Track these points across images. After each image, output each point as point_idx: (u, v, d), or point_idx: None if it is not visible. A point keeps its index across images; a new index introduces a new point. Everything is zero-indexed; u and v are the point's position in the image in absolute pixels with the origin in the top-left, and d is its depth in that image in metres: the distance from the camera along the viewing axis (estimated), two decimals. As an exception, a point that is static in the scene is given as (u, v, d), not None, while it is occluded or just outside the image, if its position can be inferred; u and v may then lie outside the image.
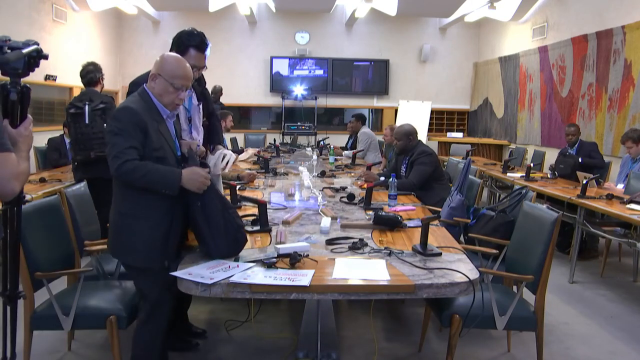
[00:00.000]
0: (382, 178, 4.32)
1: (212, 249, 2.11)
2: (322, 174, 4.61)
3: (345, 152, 7.10)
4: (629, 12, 5.88)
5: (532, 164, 6.06)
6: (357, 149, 6.89)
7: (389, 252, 2.22)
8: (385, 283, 1.89)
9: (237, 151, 5.28)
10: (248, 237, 2.46)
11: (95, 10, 8.04)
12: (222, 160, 2.65)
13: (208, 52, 2.61)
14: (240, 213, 2.90)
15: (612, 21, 6.16)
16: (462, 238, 3.50)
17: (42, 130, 6.56)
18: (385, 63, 10.14)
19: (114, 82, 9.34)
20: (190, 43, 2.55)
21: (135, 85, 2.38)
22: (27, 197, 3.56)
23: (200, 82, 2.87)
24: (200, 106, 2.82)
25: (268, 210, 2.66)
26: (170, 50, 2.51)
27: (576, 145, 5.63)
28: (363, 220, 2.85)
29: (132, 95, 2.20)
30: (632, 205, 3.80)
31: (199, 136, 2.79)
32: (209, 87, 3.36)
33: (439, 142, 9.56)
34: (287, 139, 9.23)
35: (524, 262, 2.62)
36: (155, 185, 2.05)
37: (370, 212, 2.92)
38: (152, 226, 2.12)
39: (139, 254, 2.13)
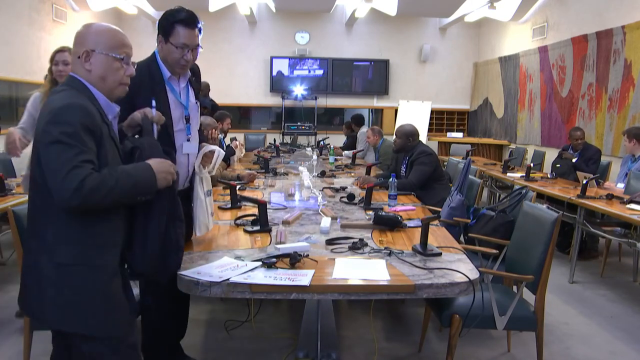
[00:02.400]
0: (382, 178, 4.33)
1: (134, 257, 1.72)
2: (322, 174, 4.62)
3: (345, 152, 7.10)
4: (629, 12, 5.88)
5: (532, 164, 6.06)
6: (357, 149, 6.90)
7: (389, 252, 2.22)
8: (385, 283, 1.89)
9: (231, 152, 5.25)
10: (248, 237, 2.46)
11: (95, 10, 8.04)
12: (213, 160, 2.36)
13: (201, 27, 2.29)
14: (240, 213, 2.91)
15: (612, 21, 6.16)
16: (462, 238, 3.50)
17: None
18: (385, 63, 10.14)
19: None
20: (176, 19, 2.20)
21: None
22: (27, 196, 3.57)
23: (195, 74, 2.56)
24: (198, 105, 2.51)
25: (268, 210, 2.66)
26: (158, 35, 2.25)
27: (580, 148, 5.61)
28: (363, 220, 2.85)
29: (61, 90, 1.59)
30: (632, 205, 3.80)
31: (196, 141, 2.46)
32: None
33: (439, 142, 9.55)
34: (287, 139, 9.23)
35: (524, 262, 2.62)
36: (128, 194, 1.57)
37: (370, 212, 2.92)
38: (111, 272, 1.60)
39: (95, 319, 1.56)
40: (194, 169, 2.35)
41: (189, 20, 2.23)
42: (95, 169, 1.50)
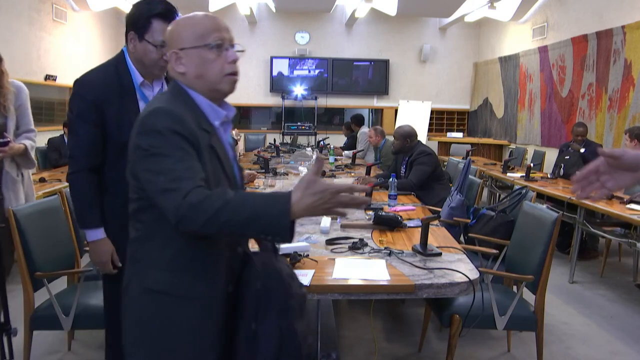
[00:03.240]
0: (382, 178, 4.33)
1: None
2: (322, 174, 4.61)
3: (345, 152, 7.10)
4: (629, 12, 5.88)
5: (532, 164, 6.06)
6: (357, 149, 6.90)
7: (389, 252, 2.22)
8: (385, 283, 1.89)
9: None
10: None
11: (95, 10, 8.04)
12: None
13: None
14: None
15: (612, 21, 6.15)
16: (462, 238, 3.50)
17: (42, 130, 6.55)
18: (385, 63, 10.14)
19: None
20: (152, 12, 1.87)
21: (82, 85, 1.90)
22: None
23: None
24: None
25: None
26: (127, 33, 1.92)
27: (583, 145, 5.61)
28: (363, 220, 2.85)
29: (158, 96, 1.41)
30: (632, 205, 3.80)
31: None
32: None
33: (439, 142, 9.55)
34: (287, 139, 9.23)
35: (524, 262, 2.62)
36: (244, 227, 1.18)
37: (370, 212, 2.92)
38: (204, 306, 1.33)
39: (182, 354, 1.33)
40: None
41: (168, 13, 1.89)
42: (202, 183, 1.21)
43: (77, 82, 1.92)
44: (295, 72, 10.08)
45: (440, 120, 10.53)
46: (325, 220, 2.67)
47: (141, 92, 1.96)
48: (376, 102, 10.44)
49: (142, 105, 1.95)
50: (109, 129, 1.90)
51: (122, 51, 1.97)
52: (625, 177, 1.10)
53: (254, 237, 1.25)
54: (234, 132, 5.83)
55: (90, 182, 1.91)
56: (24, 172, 3.13)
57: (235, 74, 1.36)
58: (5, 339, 2.34)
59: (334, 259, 2.12)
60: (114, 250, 1.94)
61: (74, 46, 7.64)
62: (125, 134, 1.80)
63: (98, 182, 1.93)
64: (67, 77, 7.07)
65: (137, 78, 1.95)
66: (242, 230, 1.20)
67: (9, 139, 2.84)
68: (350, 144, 7.75)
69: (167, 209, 1.19)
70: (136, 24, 1.89)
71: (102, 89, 1.88)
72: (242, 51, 1.39)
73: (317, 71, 10.12)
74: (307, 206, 1.14)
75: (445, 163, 6.46)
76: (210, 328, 1.34)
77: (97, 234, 1.92)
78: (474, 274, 1.96)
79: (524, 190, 3.32)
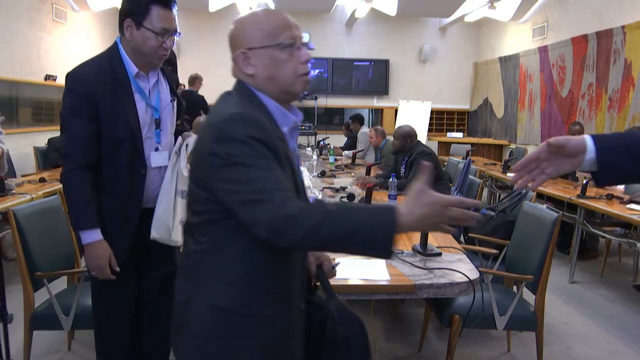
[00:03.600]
0: (382, 178, 4.33)
1: None
2: (322, 174, 4.62)
3: (345, 152, 7.11)
4: (629, 12, 5.88)
5: (532, 164, 6.05)
6: (357, 149, 6.90)
7: (389, 252, 2.21)
8: (385, 283, 1.89)
9: None
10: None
11: (95, 10, 8.04)
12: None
13: (175, 10, 1.88)
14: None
15: (612, 21, 6.15)
16: (462, 238, 3.50)
17: (42, 130, 6.57)
18: (385, 63, 10.14)
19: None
20: None
21: (74, 79, 1.80)
22: (27, 196, 3.58)
23: (171, 62, 2.11)
24: (174, 104, 2.02)
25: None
26: (123, 21, 1.82)
27: None
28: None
29: (226, 97, 1.27)
30: (632, 205, 3.80)
31: (167, 150, 1.98)
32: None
33: (439, 142, 9.56)
34: (287, 139, 9.22)
35: (524, 262, 2.62)
36: (354, 241, 1.05)
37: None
38: (278, 326, 1.23)
39: None
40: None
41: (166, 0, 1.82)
42: (292, 194, 1.11)
43: (69, 76, 1.83)
44: (295, 72, 10.08)
45: (440, 120, 10.53)
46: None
47: (136, 84, 1.87)
48: (376, 102, 10.44)
49: (137, 97, 1.86)
50: (103, 124, 1.81)
51: (115, 42, 1.88)
52: (564, 163, 1.10)
53: (351, 252, 1.11)
54: None
55: (86, 180, 1.81)
56: None
57: (307, 74, 1.26)
58: (2, 338, 2.33)
59: (334, 259, 2.11)
60: (112, 254, 1.85)
61: (74, 46, 7.64)
62: (120, 128, 1.82)
63: (94, 181, 1.84)
64: (67, 77, 7.07)
65: (132, 69, 1.86)
66: (341, 244, 1.06)
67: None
68: (350, 144, 7.75)
69: (257, 221, 1.06)
70: (134, 10, 1.80)
71: (95, 82, 1.79)
72: (313, 49, 1.30)
73: (317, 71, 10.12)
74: (418, 218, 1.03)
75: (445, 163, 6.46)
76: (284, 350, 1.24)
77: (94, 236, 1.82)
78: (474, 274, 1.96)
79: (524, 190, 3.32)
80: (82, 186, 1.80)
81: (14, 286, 3.01)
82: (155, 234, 1.92)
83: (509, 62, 9.03)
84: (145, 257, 2.02)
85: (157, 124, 1.92)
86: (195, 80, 7.19)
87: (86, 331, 2.93)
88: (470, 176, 3.87)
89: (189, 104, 6.83)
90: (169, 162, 1.95)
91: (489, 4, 8.09)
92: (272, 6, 9.10)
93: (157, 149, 1.92)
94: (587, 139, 1.09)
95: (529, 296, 2.55)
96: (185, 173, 1.91)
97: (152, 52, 1.83)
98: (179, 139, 1.99)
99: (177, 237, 1.93)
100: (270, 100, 1.24)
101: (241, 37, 1.26)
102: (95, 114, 1.79)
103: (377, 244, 1.03)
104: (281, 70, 1.22)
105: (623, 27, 5.92)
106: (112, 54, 1.86)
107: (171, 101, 2.00)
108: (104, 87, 1.80)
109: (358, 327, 1.31)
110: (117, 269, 1.85)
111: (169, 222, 1.92)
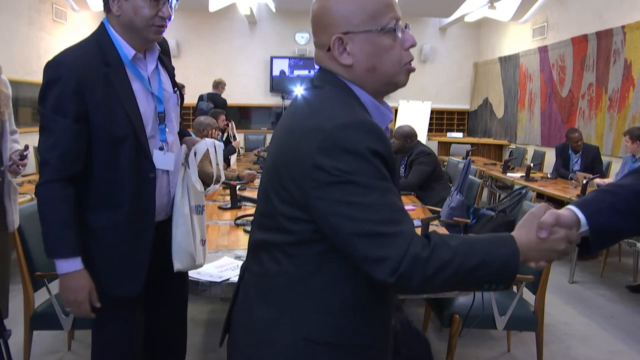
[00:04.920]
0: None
1: None
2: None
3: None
4: (629, 12, 5.88)
5: (532, 164, 6.06)
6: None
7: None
8: (385, 283, 1.88)
9: (231, 151, 5.24)
10: (249, 237, 2.43)
11: (95, 10, 8.04)
12: (211, 154, 1.72)
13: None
14: (240, 213, 2.91)
15: (612, 21, 6.15)
16: (462, 238, 3.49)
17: (42, 130, 6.56)
18: (385, 63, 10.13)
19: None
20: None
21: (56, 68, 1.48)
22: (27, 196, 3.58)
23: (164, 50, 1.73)
24: (177, 95, 1.74)
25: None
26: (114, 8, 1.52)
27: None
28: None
29: (319, 90, 1.03)
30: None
31: (174, 151, 1.67)
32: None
33: (439, 142, 9.56)
34: (287, 139, 9.22)
35: (524, 262, 2.62)
36: (478, 276, 0.93)
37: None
38: (377, 356, 1.09)
39: None
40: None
41: None
42: (410, 227, 0.92)
43: (50, 65, 1.49)
44: (296, 72, 10.07)
45: (440, 120, 10.53)
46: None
47: (135, 69, 1.56)
48: (376, 102, 10.43)
49: (136, 85, 1.55)
50: (96, 121, 1.48)
51: (101, 23, 1.57)
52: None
53: (467, 289, 1.01)
54: (229, 126, 5.79)
55: (66, 195, 1.47)
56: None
57: (411, 61, 1.06)
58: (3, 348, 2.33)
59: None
60: (93, 287, 1.51)
61: (74, 46, 7.64)
62: (117, 125, 1.49)
63: (75, 196, 1.49)
64: (67, 77, 7.08)
65: (127, 51, 1.54)
66: (465, 280, 0.93)
67: (28, 151, 2.54)
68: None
69: (382, 260, 0.89)
70: None
71: (83, 69, 1.46)
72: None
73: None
74: (537, 247, 0.96)
75: (445, 163, 6.46)
76: None
77: (73, 265, 1.47)
78: (474, 274, 1.96)
79: (524, 190, 3.32)
80: (60, 203, 1.47)
81: (14, 286, 3.01)
82: (179, 265, 1.65)
83: (509, 62, 9.02)
84: (154, 287, 1.68)
85: (162, 118, 1.61)
86: (219, 84, 7.69)
87: (86, 331, 2.93)
88: (470, 176, 3.87)
89: (215, 105, 6.90)
90: (178, 176, 1.67)
91: (489, 4, 8.09)
92: (272, 6, 9.10)
93: (161, 149, 1.61)
94: (577, 210, 1.02)
95: (529, 296, 2.55)
96: (199, 187, 1.68)
97: (146, 23, 1.52)
98: (183, 146, 1.71)
99: (200, 259, 1.71)
100: (367, 95, 1.04)
101: (335, 18, 1.00)
102: (83, 110, 1.46)
103: (502, 277, 0.94)
104: (385, 60, 1.01)
105: (623, 27, 5.92)
106: (100, 36, 1.54)
107: (174, 92, 1.70)
108: (95, 75, 1.47)
109: (424, 348, 1.17)
110: (98, 304, 1.52)
111: (191, 247, 1.65)
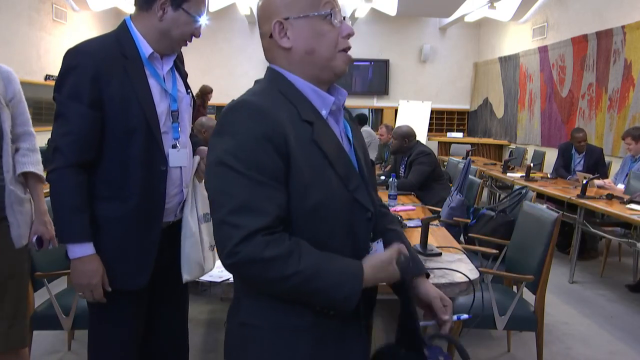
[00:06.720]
0: (383, 177, 4.33)
1: None
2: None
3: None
4: (629, 12, 5.88)
5: (532, 164, 6.06)
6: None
7: (389, 252, 2.21)
8: (386, 283, 1.88)
9: None
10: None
11: (95, 10, 8.04)
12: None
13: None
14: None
15: (612, 21, 6.15)
16: (462, 238, 3.50)
17: (42, 130, 6.54)
18: (385, 63, 10.14)
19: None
20: None
21: (75, 56, 1.50)
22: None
23: (181, 59, 1.78)
24: (190, 96, 1.75)
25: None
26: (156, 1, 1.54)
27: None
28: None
29: (252, 87, 1.19)
30: (632, 205, 3.80)
31: (186, 149, 1.68)
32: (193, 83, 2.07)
33: (439, 142, 9.56)
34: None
35: (524, 262, 2.62)
36: (317, 300, 1.02)
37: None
38: (313, 338, 1.08)
39: None
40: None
41: None
42: (276, 224, 0.97)
43: (68, 53, 1.51)
44: (295, 72, 10.08)
45: (440, 120, 10.53)
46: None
47: (151, 67, 1.58)
48: (376, 102, 10.44)
49: (151, 82, 1.57)
50: (110, 111, 1.50)
51: (124, 21, 1.60)
52: None
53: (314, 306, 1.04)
54: None
55: (79, 182, 1.50)
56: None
57: (348, 49, 1.11)
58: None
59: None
60: (105, 272, 1.53)
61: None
62: (131, 115, 1.51)
63: (87, 183, 1.53)
64: (67, 77, 7.07)
65: (145, 49, 1.57)
66: (304, 298, 1.02)
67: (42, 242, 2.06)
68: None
69: (217, 244, 0.98)
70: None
71: (104, 59, 1.49)
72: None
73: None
74: (376, 274, 1.09)
75: (445, 163, 6.46)
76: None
77: (85, 250, 1.50)
78: (474, 274, 1.96)
79: (524, 190, 3.33)
80: (73, 188, 1.50)
81: (14, 286, 3.01)
82: (187, 276, 1.63)
83: (509, 62, 9.03)
84: (159, 287, 1.69)
85: (175, 116, 1.62)
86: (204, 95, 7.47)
87: (86, 331, 2.93)
88: (470, 176, 3.86)
89: None
90: (190, 175, 1.68)
91: (489, 4, 8.09)
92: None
93: (174, 146, 1.62)
94: None
95: (529, 296, 2.55)
96: (205, 193, 1.57)
97: (181, 38, 1.58)
98: (196, 157, 1.72)
99: (209, 265, 1.70)
100: (302, 81, 1.10)
101: (278, 6, 1.09)
102: (99, 98, 1.48)
103: (341, 308, 1.02)
104: (322, 43, 1.08)
105: (623, 27, 5.92)
106: (121, 32, 1.57)
107: (187, 93, 1.72)
108: (113, 65, 1.50)
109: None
110: (109, 288, 1.54)
111: (199, 258, 1.64)
